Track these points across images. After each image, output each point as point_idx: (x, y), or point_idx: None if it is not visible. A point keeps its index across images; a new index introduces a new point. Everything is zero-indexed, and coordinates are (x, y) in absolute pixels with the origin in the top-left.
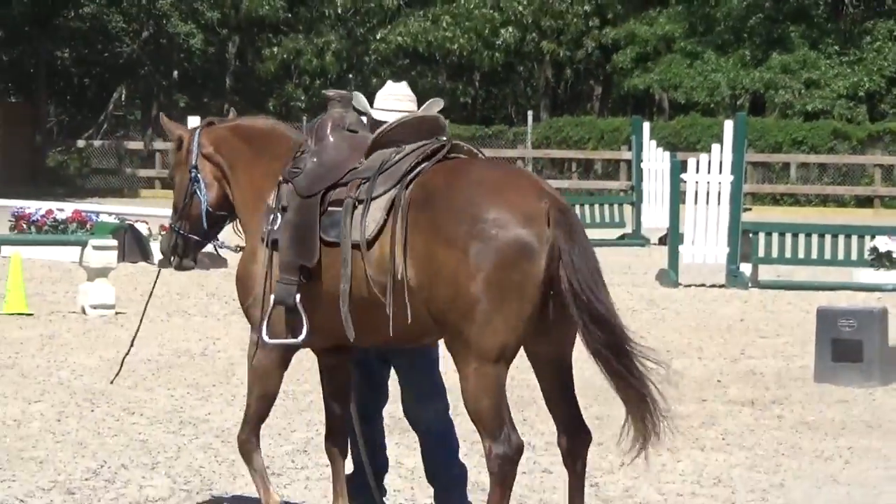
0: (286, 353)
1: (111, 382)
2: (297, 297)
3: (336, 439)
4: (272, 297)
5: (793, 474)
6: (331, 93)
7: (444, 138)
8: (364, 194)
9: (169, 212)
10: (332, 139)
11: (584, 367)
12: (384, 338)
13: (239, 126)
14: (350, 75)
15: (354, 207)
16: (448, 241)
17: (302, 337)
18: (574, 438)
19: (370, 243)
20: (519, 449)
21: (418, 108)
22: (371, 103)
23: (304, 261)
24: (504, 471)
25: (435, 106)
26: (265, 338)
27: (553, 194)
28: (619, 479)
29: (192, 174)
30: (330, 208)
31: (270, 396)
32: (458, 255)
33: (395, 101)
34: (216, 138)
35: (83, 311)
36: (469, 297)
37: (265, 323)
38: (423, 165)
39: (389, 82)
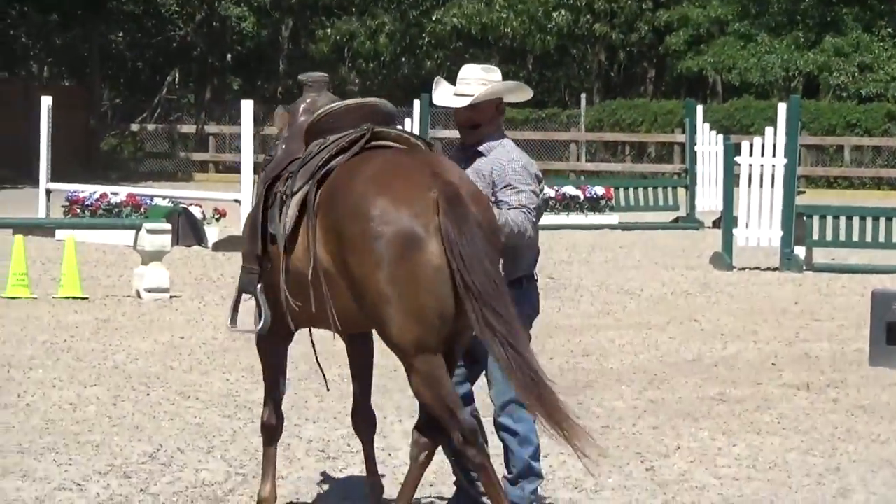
0: (281, 331)
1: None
2: (259, 286)
3: (357, 417)
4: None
5: (848, 458)
6: (304, 76)
7: (373, 126)
8: (289, 189)
9: (222, 195)
10: (296, 127)
11: (639, 351)
12: (330, 326)
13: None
14: (403, 59)
15: (282, 201)
16: (349, 243)
17: (262, 325)
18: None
19: (290, 239)
20: (472, 431)
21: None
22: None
23: (256, 250)
24: (470, 455)
25: (520, 92)
26: (228, 325)
27: (447, 182)
28: (674, 462)
29: None
30: (273, 200)
31: (277, 367)
32: (359, 256)
33: (463, 85)
34: None
35: (138, 295)
36: (374, 298)
37: (231, 310)
38: (336, 160)
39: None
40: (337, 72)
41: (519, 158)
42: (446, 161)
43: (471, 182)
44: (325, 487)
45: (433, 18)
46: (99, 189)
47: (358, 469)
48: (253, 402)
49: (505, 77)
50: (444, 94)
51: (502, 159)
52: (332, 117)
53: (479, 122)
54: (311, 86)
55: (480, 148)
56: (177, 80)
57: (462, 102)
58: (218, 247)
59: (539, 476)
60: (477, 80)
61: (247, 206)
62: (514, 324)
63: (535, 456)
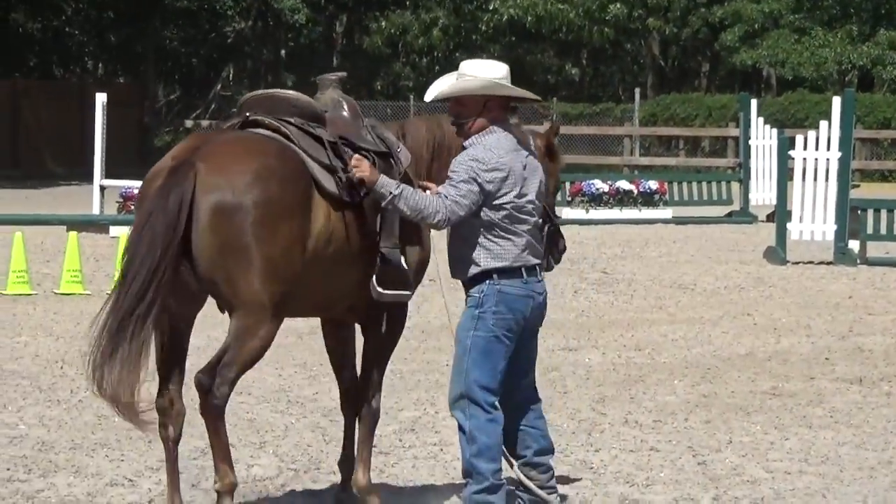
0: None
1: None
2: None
3: (345, 404)
4: None
5: None
6: (319, 77)
7: (254, 114)
8: None
9: None
10: None
11: (691, 345)
12: None
13: None
14: (457, 53)
15: None
16: None
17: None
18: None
19: None
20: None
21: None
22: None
23: None
24: None
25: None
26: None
27: (181, 160)
28: (726, 456)
29: None
30: None
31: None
32: None
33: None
34: None
35: None
36: None
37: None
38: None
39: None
40: (391, 67)
41: (476, 154)
42: (241, 145)
43: (224, 160)
44: (377, 482)
45: (490, 9)
46: None
47: (410, 464)
48: (305, 398)
49: (559, 71)
50: (434, 88)
51: (463, 153)
52: (247, 105)
53: (463, 118)
54: (320, 84)
55: (465, 143)
56: (231, 76)
57: (429, 96)
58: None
59: (485, 478)
60: (468, 75)
61: None
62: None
63: (483, 455)
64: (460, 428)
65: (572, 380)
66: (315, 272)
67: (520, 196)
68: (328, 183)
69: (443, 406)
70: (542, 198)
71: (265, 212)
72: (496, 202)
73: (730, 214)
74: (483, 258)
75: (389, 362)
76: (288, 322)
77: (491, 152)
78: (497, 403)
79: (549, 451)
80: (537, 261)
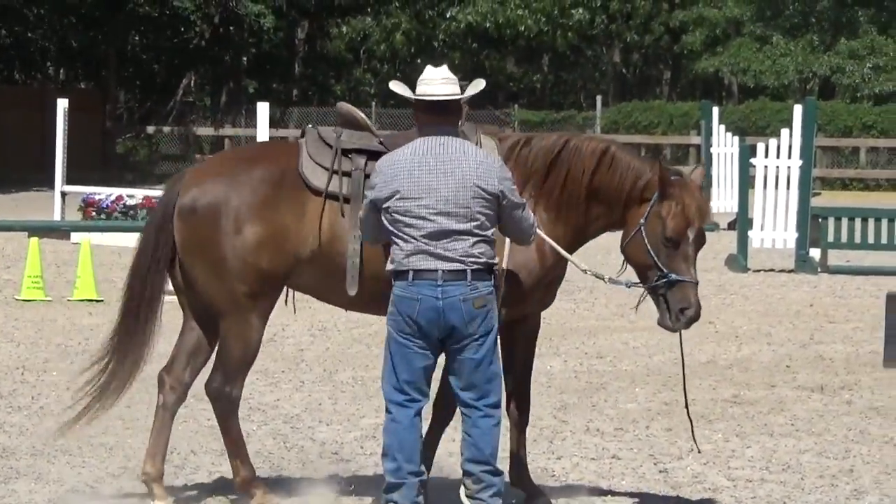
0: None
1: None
2: None
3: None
4: None
5: (862, 460)
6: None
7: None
8: None
9: None
10: None
11: (653, 352)
12: None
13: None
14: (419, 59)
15: None
16: None
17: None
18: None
19: None
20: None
21: (461, 89)
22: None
23: None
24: None
25: (474, 87)
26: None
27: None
28: (688, 464)
29: None
30: None
31: None
32: None
33: (424, 86)
34: None
35: None
36: None
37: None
38: None
39: (428, 67)
40: (352, 73)
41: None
42: (235, 152)
43: (229, 170)
44: (339, 490)
45: (447, 16)
46: (115, 191)
47: (371, 471)
48: (266, 405)
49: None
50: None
51: None
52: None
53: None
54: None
55: None
56: (192, 82)
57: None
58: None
59: (386, 476)
60: (439, 80)
61: None
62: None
63: (385, 455)
64: None
65: (534, 387)
66: (320, 268)
67: (405, 199)
68: (318, 183)
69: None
70: (473, 204)
71: (223, 213)
72: (382, 206)
73: None
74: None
75: (351, 368)
76: None
77: (384, 159)
78: (410, 401)
79: (481, 461)
80: (442, 265)
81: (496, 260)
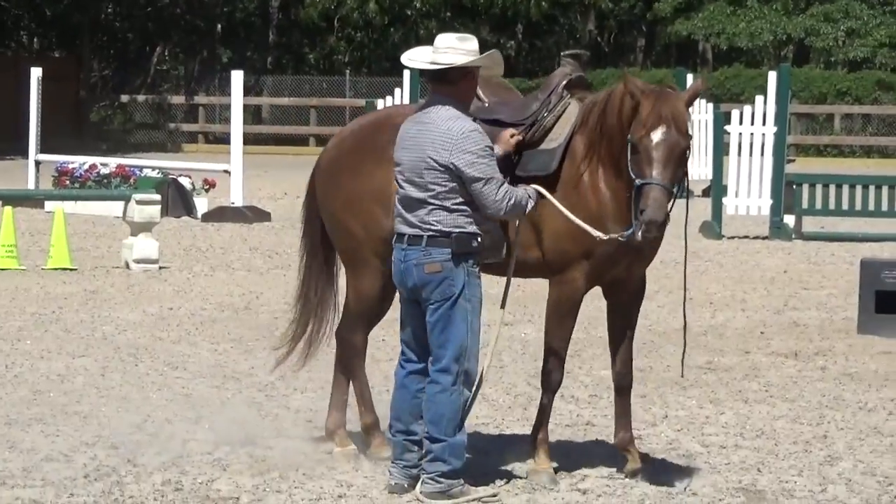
0: None
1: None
2: None
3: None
4: None
5: (836, 426)
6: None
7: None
8: None
9: (211, 166)
10: None
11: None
12: None
13: None
14: (392, 29)
15: None
16: None
17: None
18: None
19: None
20: None
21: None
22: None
23: None
24: None
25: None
26: None
27: None
28: (662, 431)
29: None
30: None
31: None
32: None
33: (429, 54)
34: None
35: (127, 266)
36: None
37: None
38: None
39: (441, 34)
40: (325, 41)
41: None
42: (367, 114)
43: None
44: (314, 457)
45: None
46: (88, 160)
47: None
48: (241, 373)
49: (495, 46)
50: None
51: None
52: None
53: None
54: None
55: None
56: (167, 51)
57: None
58: (207, 217)
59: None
60: (446, 48)
61: (237, 177)
62: None
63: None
64: None
65: (508, 354)
66: None
67: (395, 166)
68: None
69: (378, 381)
70: (465, 167)
71: (330, 168)
72: None
73: None
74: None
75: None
76: (223, 297)
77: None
78: (406, 361)
79: (425, 426)
80: (407, 230)
81: (467, 229)
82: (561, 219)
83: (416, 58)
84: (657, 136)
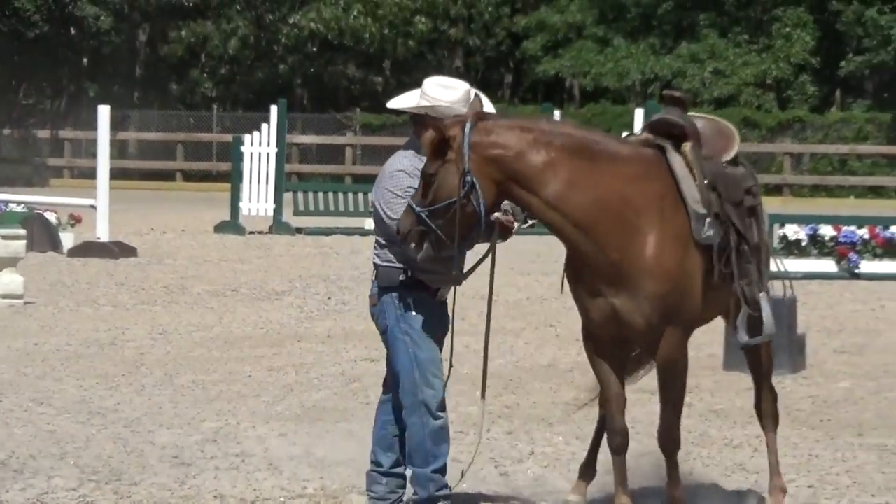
0: None
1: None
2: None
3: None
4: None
5: (702, 462)
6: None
7: None
8: None
9: (77, 201)
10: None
11: (494, 356)
12: None
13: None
14: (258, 63)
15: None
16: None
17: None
18: None
19: None
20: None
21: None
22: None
23: None
24: None
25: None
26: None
27: None
28: (528, 467)
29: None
30: None
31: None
32: None
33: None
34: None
35: None
36: None
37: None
38: None
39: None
40: (188, 75)
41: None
42: None
43: None
44: (180, 493)
45: (290, 22)
46: None
47: (212, 475)
48: (106, 409)
49: (362, 82)
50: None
51: None
52: None
53: None
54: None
55: None
56: (33, 85)
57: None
58: (73, 252)
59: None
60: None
61: (103, 212)
62: None
63: None
64: None
65: (374, 391)
66: None
67: None
68: None
69: (244, 417)
70: (382, 204)
71: None
72: None
73: (532, 226)
74: None
75: (192, 372)
76: (88, 333)
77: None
78: (383, 392)
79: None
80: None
81: (394, 262)
82: None
83: (400, 99)
84: None
